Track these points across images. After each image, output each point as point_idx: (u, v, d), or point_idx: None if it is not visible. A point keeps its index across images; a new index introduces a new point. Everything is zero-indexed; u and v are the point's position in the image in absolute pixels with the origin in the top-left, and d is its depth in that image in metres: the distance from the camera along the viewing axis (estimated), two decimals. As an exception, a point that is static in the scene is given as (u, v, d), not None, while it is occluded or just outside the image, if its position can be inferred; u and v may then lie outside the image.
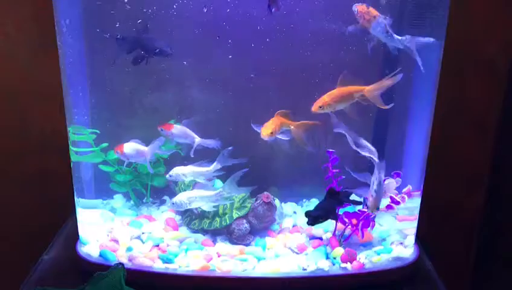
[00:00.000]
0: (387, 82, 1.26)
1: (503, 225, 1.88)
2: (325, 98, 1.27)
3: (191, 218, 1.44)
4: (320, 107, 1.27)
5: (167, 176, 1.38)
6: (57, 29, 1.27)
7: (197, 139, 1.38)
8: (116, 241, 1.38)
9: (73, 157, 1.39)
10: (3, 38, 1.73)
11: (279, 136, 1.35)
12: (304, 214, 1.31)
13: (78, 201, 1.41)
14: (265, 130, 1.32)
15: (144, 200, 1.55)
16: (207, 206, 1.35)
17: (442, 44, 1.31)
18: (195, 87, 1.39)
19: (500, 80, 1.81)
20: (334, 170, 1.39)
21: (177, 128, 1.38)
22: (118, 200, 1.55)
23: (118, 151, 1.37)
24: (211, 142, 1.37)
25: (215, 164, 1.35)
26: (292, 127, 1.35)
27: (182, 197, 1.34)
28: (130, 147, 1.37)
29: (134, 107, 1.42)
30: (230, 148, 1.34)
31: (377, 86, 1.26)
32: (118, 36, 1.27)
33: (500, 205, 1.89)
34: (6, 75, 1.76)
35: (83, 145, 1.41)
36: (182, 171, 1.37)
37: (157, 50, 1.28)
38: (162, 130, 1.38)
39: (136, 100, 1.42)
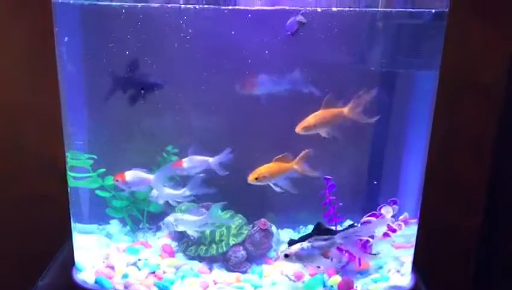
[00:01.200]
0: (363, 98, 1.27)
1: (502, 237, 1.90)
2: (310, 119, 1.29)
3: (187, 244, 1.43)
4: (305, 128, 1.28)
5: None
6: (57, 55, 1.29)
7: (211, 160, 1.37)
8: (112, 267, 1.37)
9: (71, 183, 1.39)
10: (3, 63, 1.75)
11: (277, 189, 1.33)
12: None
13: (75, 226, 1.40)
14: (252, 175, 1.30)
15: (140, 226, 1.55)
16: (191, 231, 1.35)
17: (438, 73, 1.34)
18: (192, 112, 1.40)
19: (495, 105, 1.85)
20: (331, 197, 1.39)
21: (187, 161, 1.38)
22: (114, 226, 1.54)
23: (118, 179, 1.35)
24: (223, 155, 1.36)
25: (184, 189, 1.36)
26: (295, 167, 1.34)
27: (170, 218, 1.35)
28: (133, 175, 1.35)
29: (133, 133, 1.43)
30: (201, 175, 1.34)
31: (354, 104, 1.28)
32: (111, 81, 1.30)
33: (497, 224, 1.90)
34: (5, 99, 1.77)
35: (79, 170, 1.41)
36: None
37: (152, 85, 1.30)
38: (176, 169, 1.38)
39: (134, 126, 1.42)
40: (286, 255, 1.20)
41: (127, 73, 1.30)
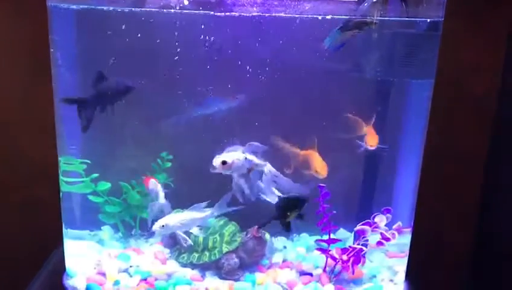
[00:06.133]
0: None
1: (496, 240, 1.90)
2: None
3: (179, 251, 1.42)
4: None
5: None
6: (52, 61, 1.28)
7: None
8: (104, 274, 1.36)
9: (64, 188, 1.37)
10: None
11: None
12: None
13: (67, 232, 1.39)
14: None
15: (133, 232, 1.53)
16: (196, 230, 1.33)
17: (433, 82, 1.34)
18: (186, 117, 1.39)
19: (486, 119, 1.86)
20: (325, 205, 1.39)
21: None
22: (106, 232, 1.53)
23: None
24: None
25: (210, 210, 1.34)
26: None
27: (171, 220, 1.31)
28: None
29: (127, 138, 1.42)
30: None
31: None
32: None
33: (492, 230, 1.92)
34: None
35: (72, 175, 1.40)
36: None
37: (123, 91, 1.27)
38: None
39: (128, 131, 1.42)
40: (224, 162, 1.24)
41: (94, 88, 1.26)
